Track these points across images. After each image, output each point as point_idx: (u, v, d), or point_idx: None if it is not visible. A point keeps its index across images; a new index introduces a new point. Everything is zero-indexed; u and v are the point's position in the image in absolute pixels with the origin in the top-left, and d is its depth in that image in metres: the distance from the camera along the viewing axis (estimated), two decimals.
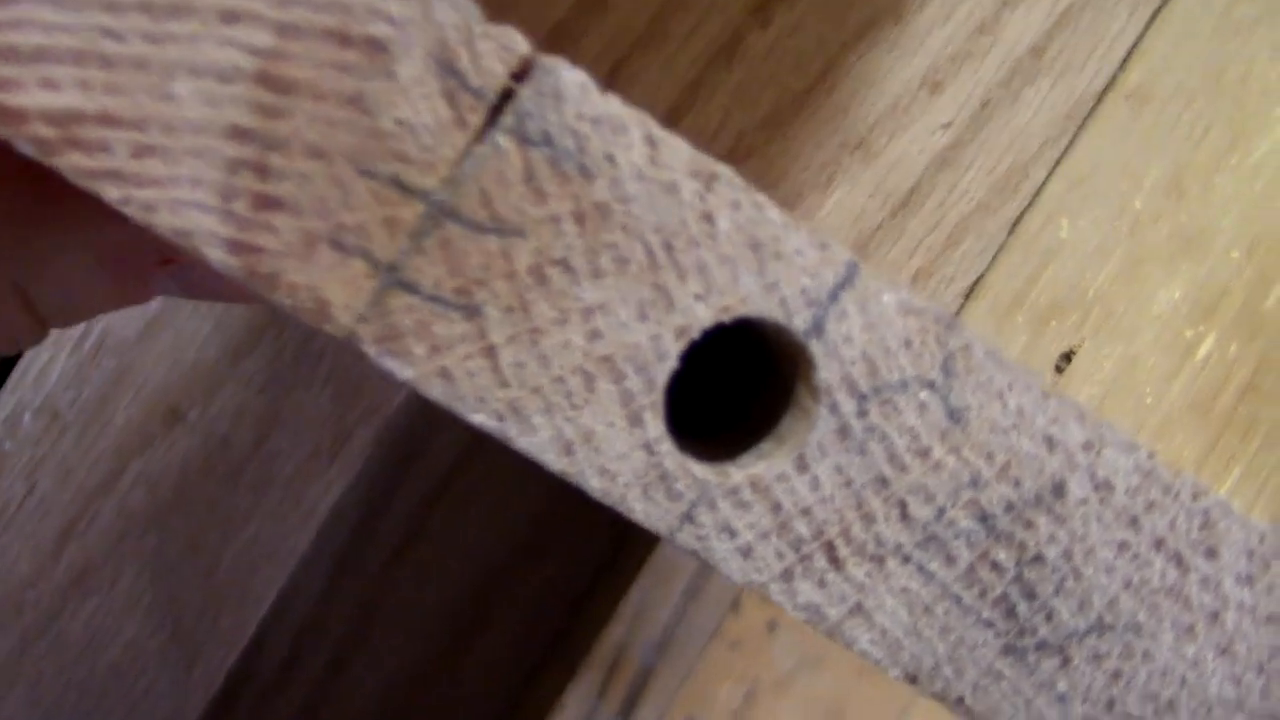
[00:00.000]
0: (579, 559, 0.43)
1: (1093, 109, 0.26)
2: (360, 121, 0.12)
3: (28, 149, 0.12)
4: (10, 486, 0.39)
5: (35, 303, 0.21)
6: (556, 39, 0.14)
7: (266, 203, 0.12)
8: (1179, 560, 0.14)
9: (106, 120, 0.12)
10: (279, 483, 0.40)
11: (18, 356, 0.40)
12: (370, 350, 0.13)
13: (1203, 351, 0.17)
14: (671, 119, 0.23)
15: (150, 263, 0.21)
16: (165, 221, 0.12)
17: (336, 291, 0.13)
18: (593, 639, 0.40)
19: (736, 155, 0.23)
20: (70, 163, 0.12)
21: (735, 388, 0.16)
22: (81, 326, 0.39)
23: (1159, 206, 0.21)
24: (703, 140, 0.20)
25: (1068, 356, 0.21)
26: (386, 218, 0.12)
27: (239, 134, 0.12)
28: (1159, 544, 0.14)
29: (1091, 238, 0.24)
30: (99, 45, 0.12)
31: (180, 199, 0.12)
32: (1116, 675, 0.14)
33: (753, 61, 0.26)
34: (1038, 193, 0.26)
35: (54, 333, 0.40)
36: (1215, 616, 0.14)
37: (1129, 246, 0.22)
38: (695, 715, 0.41)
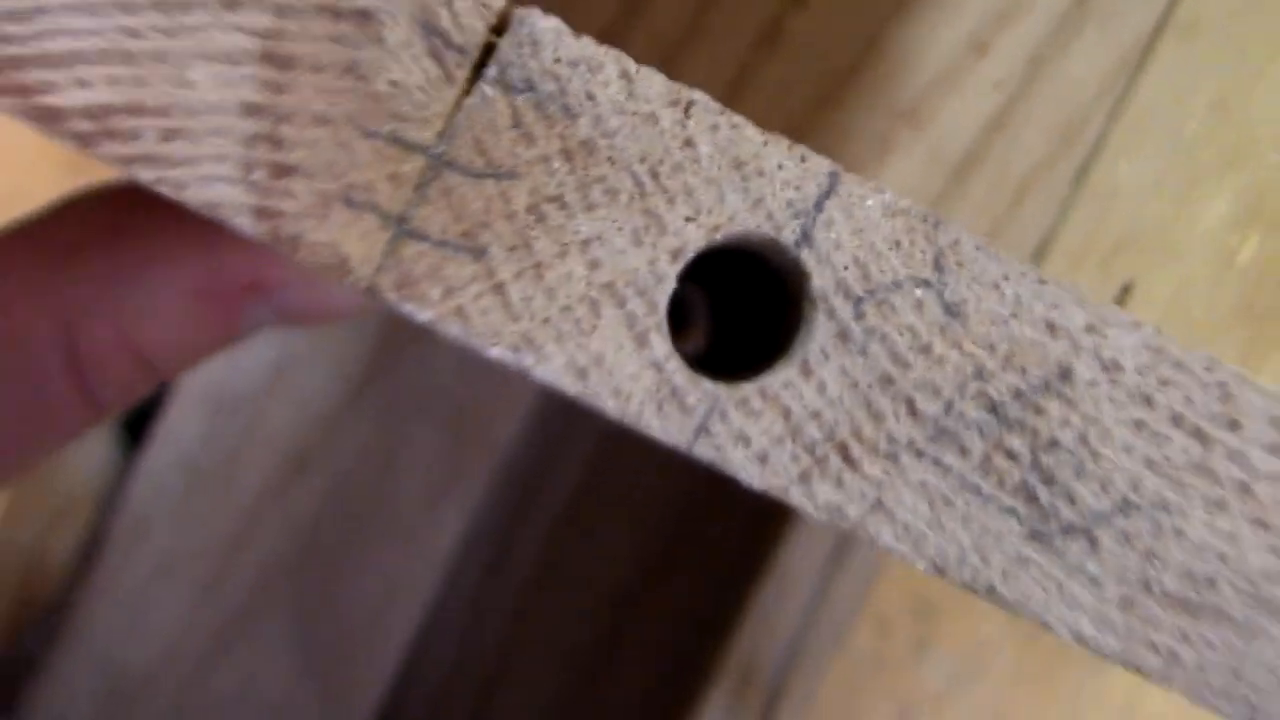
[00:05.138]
0: (708, 574, 0.43)
1: (1145, 52, 0.26)
2: (358, 87, 0.13)
3: (70, 144, 0.13)
4: (157, 543, 0.42)
5: (144, 351, 0.21)
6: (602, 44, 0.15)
7: (282, 170, 0.14)
8: (1200, 435, 0.14)
9: (135, 110, 0.13)
10: (402, 522, 0.42)
11: (146, 418, 0.42)
12: (390, 298, 0.14)
13: (1246, 255, 0.17)
14: None
15: (238, 293, 0.22)
16: (196, 196, 0.13)
17: (354, 246, 0.14)
18: (722, 654, 0.40)
19: (788, 136, 0.24)
20: (108, 152, 0.13)
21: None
22: (211, 385, 0.41)
23: (1208, 129, 0.21)
24: None
25: (1126, 290, 0.21)
26: (391, 173, 0.13)
27: (252, 110, 0.13)
28: (1177, 420, 0.14)
29: (1148, 172, 0.23)
30: (121, 43, 0.13)
31: (206, 175, 0.13)
32: (1149, 555, 0.14)
33: (795, 45, 0.27)
34: (1099, 141, 0.26)
35: (189, 391, 0.42)
36: (1246, 489, 0.14)
37: (1181, 172, 0.22)
38: None
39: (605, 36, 0.15)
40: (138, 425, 0.42)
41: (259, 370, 0.41)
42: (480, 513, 0.42)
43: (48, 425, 0.21)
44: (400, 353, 0.41)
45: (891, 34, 0.27)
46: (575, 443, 0.42)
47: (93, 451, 0.43)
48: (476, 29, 0.13)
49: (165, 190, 0.13)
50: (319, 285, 0.22)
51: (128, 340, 0.21)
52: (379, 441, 0.41)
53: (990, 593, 0.14)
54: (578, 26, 0.14)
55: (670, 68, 0.16)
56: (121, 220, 0.21)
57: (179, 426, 0.41)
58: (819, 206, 0.13)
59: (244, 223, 0.14)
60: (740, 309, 0.16)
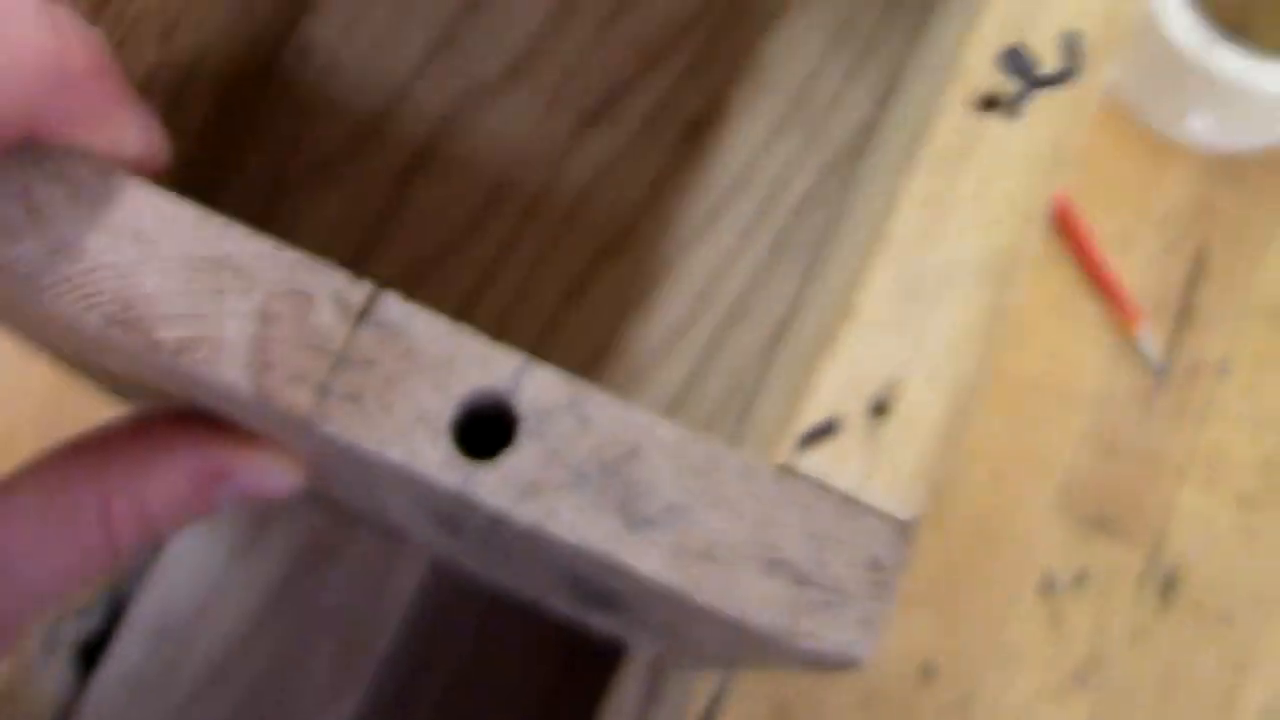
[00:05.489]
0: None
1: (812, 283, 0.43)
2: (305, 326, 0.29)
3: (161, 357, 0.29)
4: None
5: (152, 517, 0.35)
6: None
7: (267, 365, 0.29)
8: (700, 473, 0.29)
9: (197, 340, 0.29)
10: (302, 717, 0.54)
11: (99, 647, 0.54)
12: (317, 422, 0.29)
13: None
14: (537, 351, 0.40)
15: (214, 478, 0.36)
16: (222, 380, 0.29)
17: (301, 400, 0.29)
18: None
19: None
20: (182, 359, 0.29)
21: None
22: (151, 617, 0.54)
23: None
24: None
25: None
26: (318, 363, 0.29)
27: (253, 338, 0.29)
28: (693, 469, 0.29)
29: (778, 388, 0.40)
30: (198, 310, 0.29)
31: (229, 367, 0.29)
32: (683, 532, 0.29)
33: (570, 332, 0.44)
34: (756, 381, 0.43)
35: (135, 621, 0.54)
36: (720, 502, 0.29)
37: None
38: None
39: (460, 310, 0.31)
40: (92, 652, 0.54)
41: (188, 603, 0.54)
42: (366, 709, 0.54)
43: (85, 571, 0.35)
44: (299, 584, 0.54)
45: (629, 327, 0.44)
46: (443, 650, 0.55)
47: (54, 674, 0.54)
48: (359, 300, 0.29)
49: (206, 375, 0.29)
50: (262, 475, 0.37)
51: (142, 510, 0.35)
52: (284, 652, 0.54)
53: (608, 556, 0.29)
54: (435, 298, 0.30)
55: (497, 327, 0.32)
56: (138, 432, 0.35)
57: (124, 651, 0.53)
58: (520, 375, 0.29)
59: (245, 391, 0.29)
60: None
